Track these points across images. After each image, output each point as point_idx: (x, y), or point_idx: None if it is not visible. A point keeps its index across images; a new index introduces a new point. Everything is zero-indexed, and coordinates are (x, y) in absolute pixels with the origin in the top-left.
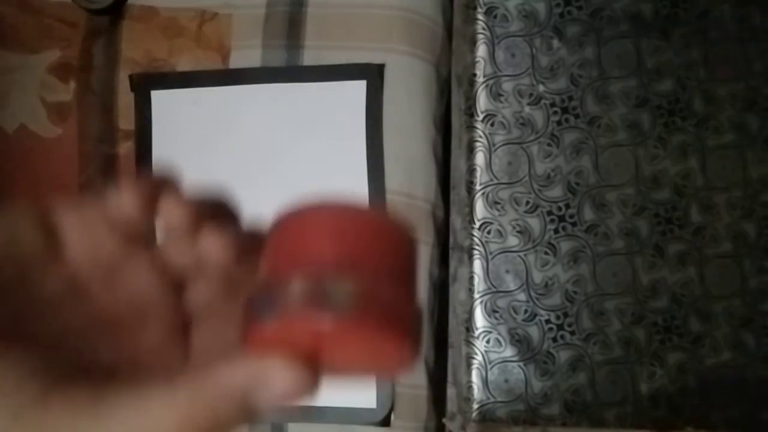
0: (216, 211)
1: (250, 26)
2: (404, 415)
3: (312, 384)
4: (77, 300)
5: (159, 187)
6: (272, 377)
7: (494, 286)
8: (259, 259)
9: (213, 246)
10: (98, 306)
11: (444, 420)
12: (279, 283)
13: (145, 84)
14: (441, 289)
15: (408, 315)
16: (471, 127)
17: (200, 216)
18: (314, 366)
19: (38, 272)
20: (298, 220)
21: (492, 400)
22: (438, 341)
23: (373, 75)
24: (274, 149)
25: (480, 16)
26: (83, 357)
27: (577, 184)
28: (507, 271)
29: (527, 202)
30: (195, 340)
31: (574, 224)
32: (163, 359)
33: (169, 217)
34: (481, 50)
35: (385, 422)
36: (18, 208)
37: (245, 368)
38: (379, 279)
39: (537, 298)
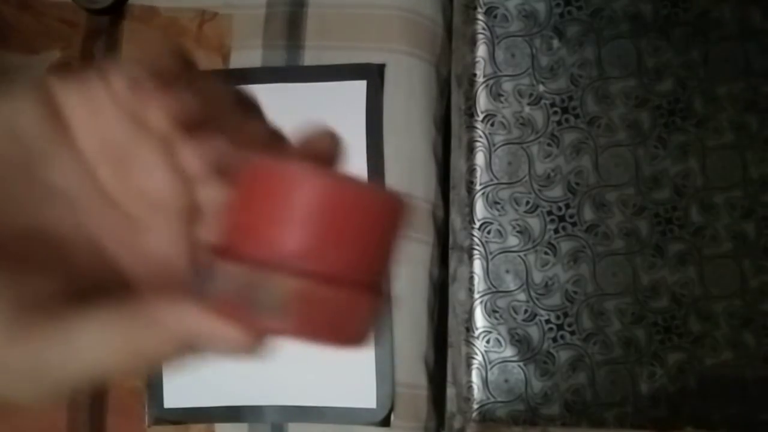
0: (237, 106)
1: (250, 26)
2: (404, 415)
3: (254, 349)
4: (88, 190)
5: (172, 73)
6: (215, 337)
7: (494, 286)
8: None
9: (222, 143)
10: (109, 197)
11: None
12: (222, 259)
13: None
14: (441, 289)
15: (357, 313)
16: (471, 127)
17: (211, 110)
18: (257, 335)
19: (45, 157)
20: (277, 180)
21: (492, 400)
22: (438, 341)
23: (373, 75)
24: None
25: (480, 16)
26: (92, 260)
27: (577, 184)
28: (507, 271)
29: (527, 202)
30: (202, 240)
31: (574, 224)
32: (171, 260)
33: (172, 105)
34: (481, 50)
35: (385, 422)
36: (17, 89)
37: (194, 322)
38: (332, 279)
39: (537, 298)
